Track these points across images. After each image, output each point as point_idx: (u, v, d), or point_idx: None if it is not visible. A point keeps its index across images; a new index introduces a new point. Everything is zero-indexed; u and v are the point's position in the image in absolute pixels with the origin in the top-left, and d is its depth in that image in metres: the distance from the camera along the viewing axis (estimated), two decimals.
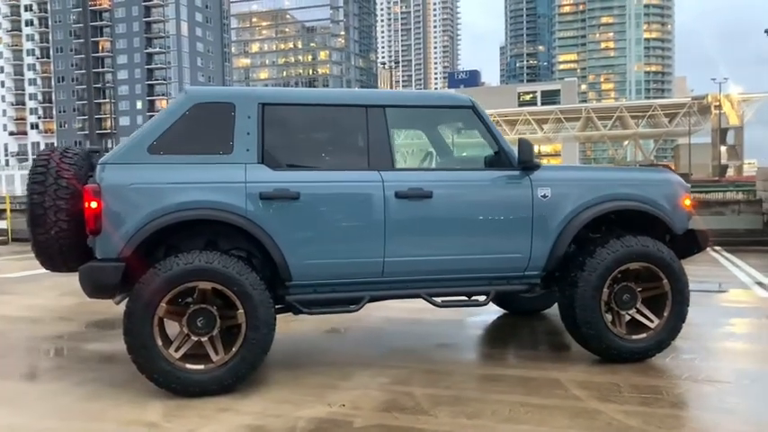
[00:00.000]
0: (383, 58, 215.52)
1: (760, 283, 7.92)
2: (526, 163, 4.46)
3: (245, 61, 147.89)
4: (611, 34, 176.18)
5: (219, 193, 4.15)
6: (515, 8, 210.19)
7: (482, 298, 4.63)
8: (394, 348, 5.31)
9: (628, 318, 4.63)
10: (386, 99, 4.55)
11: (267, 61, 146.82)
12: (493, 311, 6.38)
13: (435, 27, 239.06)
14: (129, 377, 4.49)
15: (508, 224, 4.52)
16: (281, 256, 4.20)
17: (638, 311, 4.62)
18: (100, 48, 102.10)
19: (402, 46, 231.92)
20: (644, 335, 4.57)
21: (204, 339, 4.07)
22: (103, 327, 6.28)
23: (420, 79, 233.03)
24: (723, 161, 64.16)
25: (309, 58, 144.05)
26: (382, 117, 4.46)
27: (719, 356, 4.90)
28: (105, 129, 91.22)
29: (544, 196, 4.55)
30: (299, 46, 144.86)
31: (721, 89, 64.07)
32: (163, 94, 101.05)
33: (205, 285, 4.02)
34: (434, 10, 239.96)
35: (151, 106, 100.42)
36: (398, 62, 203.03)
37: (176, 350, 4.03)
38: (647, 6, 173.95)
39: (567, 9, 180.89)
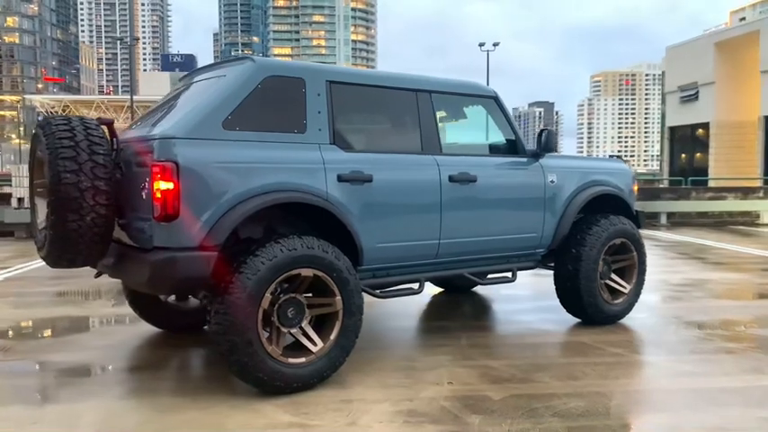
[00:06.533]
0: (83, 31, 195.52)
1: None
2: (550, 152, 4.97)
3: None
4: (323, 33, 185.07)
5: (303, 174, 3.89)
6: None
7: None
8: (397, 330, 5.38)
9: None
10: (431, 84, 4.65)
11: None
12: (426, 292, 6.77)
13: (144, 5, 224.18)
14: (170, 384, 3.96)
15: (530, 206, 4.98)
16: (358, 240, 4.07)
17: (611, 280, 5.45)
18: None
19: (106, 21, 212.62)
20: (621, 299, 5.42)
21: (294, 331, 3.78)
22: (21, 336, 5.16)
23: (126, 58, 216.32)
24: None
25: None
26: (430, 101, 4.58)
27: (663, 314, 5.97)
28: None
29: (552, 181, 5.10)
30: None
31: None
32: None
33: (307, 272, 3.74)
34: None
35: None
36: (120, 38, 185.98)
37: (276, 345, 3.68)
38: (354, 10, 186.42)
39: (280, 3, 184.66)
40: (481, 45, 39.80)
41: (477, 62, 59.36)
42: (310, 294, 3.89)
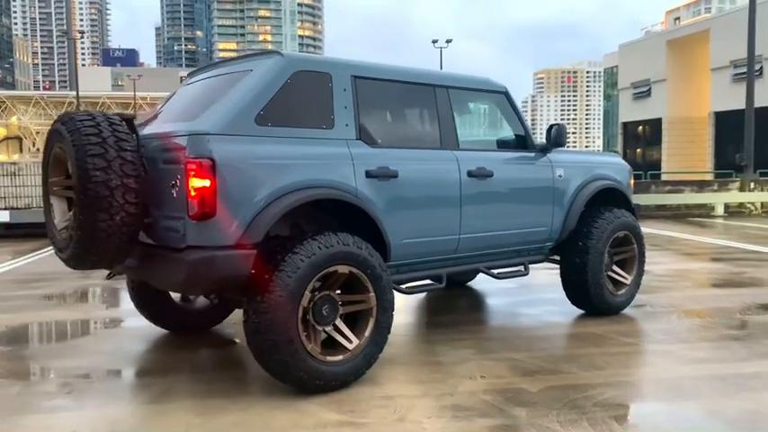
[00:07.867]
0: (16, 24, 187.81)
1: None
2: (560, 147, 5.04)
3: None
4: (269, 27, 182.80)
5: (335, 171, 3.85)
6: None
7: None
8: (407, 325, 5.37)
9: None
10: (448, 79, 4.66)
11: None
12: None
13: None
14: (197, 387, 3.85)
15: (541, 200, 5.05)
16: (386, 236, 4.05)
17: (613, 271, 5.58)
18: None
19: (41, 14, 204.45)
20: (623, 290, 5.56)
21: (329, 329, 3.74)
22: (21, 342, 4.95)
23: (63, 53, 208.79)
24: None
25: None
26: (447, 96, 4.59)
27: (659, 303, 6.14)
28: None
29: (560, 176, 5.19)
30: None
31: None
32: None
33: (343, 269, 3.70)
34: None
35: None
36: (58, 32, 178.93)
37: (315, 343, 3.62)
38: (300, 5, 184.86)
39: None
40: (434, 42, 40.08)
41: (424, 59, 59.48)
42: (339, 292, 3.85)
